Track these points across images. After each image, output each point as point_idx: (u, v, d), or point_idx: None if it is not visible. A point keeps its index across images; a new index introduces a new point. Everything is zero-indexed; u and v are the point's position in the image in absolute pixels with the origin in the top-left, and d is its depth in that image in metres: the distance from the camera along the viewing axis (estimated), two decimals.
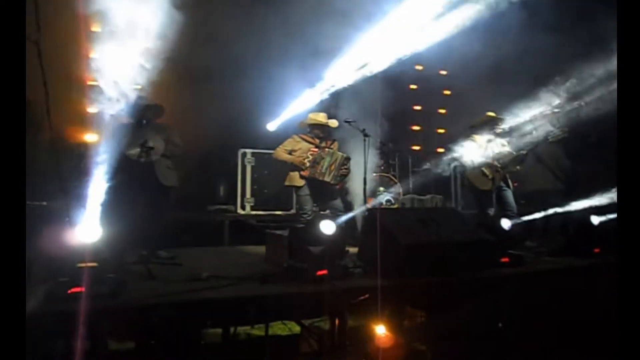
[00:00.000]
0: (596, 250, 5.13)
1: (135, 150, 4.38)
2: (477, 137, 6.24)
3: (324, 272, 3.60)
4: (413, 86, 10.39)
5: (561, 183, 6.87)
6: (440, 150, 8.36)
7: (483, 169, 6.06)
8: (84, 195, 3.42)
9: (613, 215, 5.58)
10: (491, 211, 6.05)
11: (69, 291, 2.81)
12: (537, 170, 7.20)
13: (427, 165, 8.54)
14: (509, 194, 6.08)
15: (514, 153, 6.04)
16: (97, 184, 3.53)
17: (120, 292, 3.04)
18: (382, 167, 7.78)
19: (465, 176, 6.39)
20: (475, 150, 6.18)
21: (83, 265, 2.91)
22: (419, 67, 9.93)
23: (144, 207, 4.60)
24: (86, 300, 2.73)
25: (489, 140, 6.18)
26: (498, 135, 6.25)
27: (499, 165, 6.01)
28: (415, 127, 10.60)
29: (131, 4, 3.87)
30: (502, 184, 6.06)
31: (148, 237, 4.55)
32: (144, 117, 4.73)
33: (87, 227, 3.11)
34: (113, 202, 3.46)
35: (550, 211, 6.71)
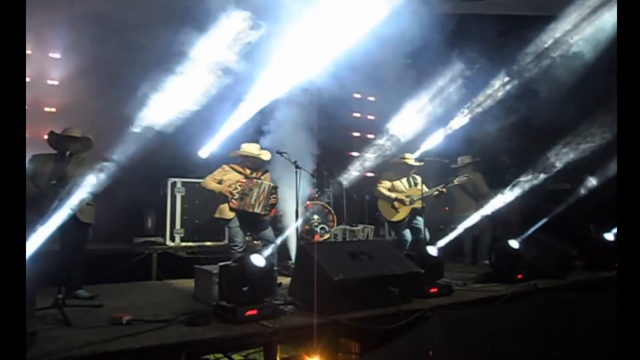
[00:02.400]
0: (519, 276, 5.34)
1: (53, 184, 4.12)
2: (392, 174, 6.70)
3: (254, 312, 3.51)
4: (352, 112, 10.57)
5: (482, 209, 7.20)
6: (370, 174, 8.46)
7: (394, 202, 6.43)
8: None
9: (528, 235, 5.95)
10: (405, 239, 6.40)
11: None
12: (462, 198, 7.56)
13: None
14: (421, 224, 6.41)
15: (426, 190, 6.40)
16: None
17: (29, 344, 2.80)
18: (317, 195, 7.79)
19: (377, 207, 6.76)
20: (389, 185, 6.59)
21: None
22: (357, 95, 10.11)
23: (59, 244, 4.32)
24: None
25: (403, 177, 6.63)
26: (411, 173, 6.69)
27: (407, 200, 6.37)
28: (353, 153, 10.77)
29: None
30: (416, 217, 6.42)
31: (65, 277, 4.26)
32: (68, 149, 4.52)
33: None
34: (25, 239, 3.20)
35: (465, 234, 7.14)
